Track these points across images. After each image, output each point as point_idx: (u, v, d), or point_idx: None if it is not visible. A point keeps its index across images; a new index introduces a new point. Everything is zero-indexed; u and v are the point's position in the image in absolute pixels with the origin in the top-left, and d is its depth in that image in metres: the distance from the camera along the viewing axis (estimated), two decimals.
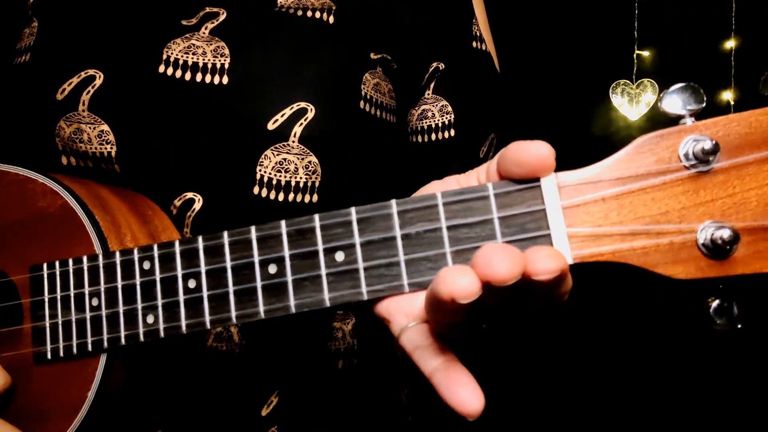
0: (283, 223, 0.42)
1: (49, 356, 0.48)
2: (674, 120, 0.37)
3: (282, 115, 0.59)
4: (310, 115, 0.60)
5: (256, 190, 0.59)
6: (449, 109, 0.71)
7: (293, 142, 0.59)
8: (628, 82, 2.48)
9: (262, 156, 0.59)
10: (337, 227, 0.40)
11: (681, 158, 0.36)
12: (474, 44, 0.73)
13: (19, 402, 0.48)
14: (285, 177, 0.59)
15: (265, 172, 0.59)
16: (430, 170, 0.73)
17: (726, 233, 0.34)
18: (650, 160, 0.36)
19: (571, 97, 2.52)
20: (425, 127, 0.71)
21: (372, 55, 0.66)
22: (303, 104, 0.60)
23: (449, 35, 0.71)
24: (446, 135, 0.71)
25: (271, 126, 0.59)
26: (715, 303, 0.37)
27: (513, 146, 0.36)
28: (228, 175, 0.59)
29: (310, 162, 0.60)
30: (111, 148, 0.59)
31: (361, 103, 0.64)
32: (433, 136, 0.71)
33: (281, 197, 0.59)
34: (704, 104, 0.37)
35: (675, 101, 0.37)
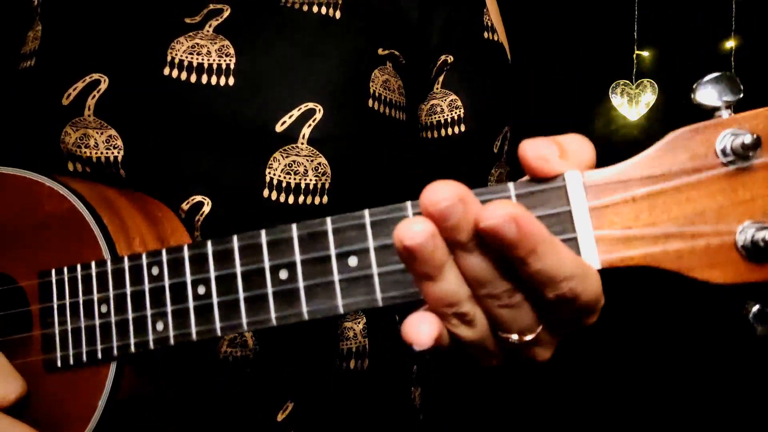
0: (294, 226, 0.40)
1: (59, 364, 0.47)
2: (708, 113, 0.35)
3: (290, 117, 0.58)
4: (319, 116, 0.59)
5: (265, 193, 0.58)
6: (459, 103, 0.69)
7: (302, 143, 0.58)
8: (627, 82, 2.45)
9: (271, 158, 0.58)
10: (350, 230, 0.39)
11: (718, 154, 0.33)
12: (485, 35, 0.71)
13: (31, 410, 0.47)
14: (294, 179, 0.58)
15: (274, 174, 0.58)
16: (441, 167, 0.71)
17: None
18: (684, 156, 0.34)
19: (571, 97, 2.49)
20: (434, 123, 0.70)
21: (380, 51, 0.64)
22: (311, 105, 0.58)
23: (459, 26, 0.69)
24: (456, 130, 0.69)
25: (279, 128, 0.58)
26: (755, 308, 0.34)
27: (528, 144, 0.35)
28: (237, 178, 0.58)
29: (319, 164, 0.59)
30: (118, 152, 0.58)
31: (370, 102, 0.62)
32: (443, 132, 0.69)
33: (291, 200, 0.58)
34: (741, 95, 0.35)
35: (710, 92, 0.34)
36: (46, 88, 0.60)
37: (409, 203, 0.37)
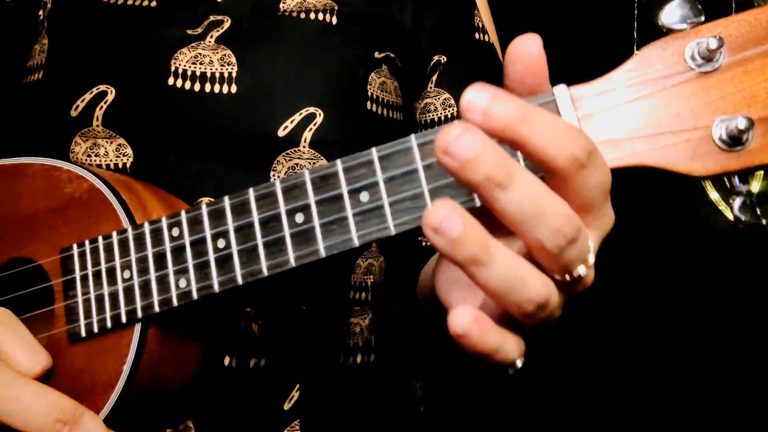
0: (306, 172, 0.43)
1: (83, 333, 0.48)
2: (675, 33, 0.39)
3: (292, 122, 0.60)
4: (319, 119, 0.61)
5: None
6: (452, 102, 0.72)
7: (304, 147, 0.61)
8: None
9: (275, 162, 0.60)
10: (360, 168, 0.41)
11: (687, 60, 0.37)
12: (476, 36, 0.75)
13: (56, 383, 0.48)
14: None
15: (278, 177, 0.60)
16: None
17: (741, 122, 0.35)
18: (658, 66, 0.37)
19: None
20: (428, 121, 0.72)
21: (376, 54, 0.67)
22: (311, 109, 0.61)
23: (451, 28, 0.73)
24: None
25: (281, 133, 0.60)
26: (738, 201, 0.37)
27: (510, 55, 0.37)
28: (242, 182, 0.60)
29: (321, 166, 0.61)
30: (128, 160, 0.60)
31: (368, 104, 0.65)
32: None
33: None
34: (703, 17, 0.39)
35: (675, 14, 0.38)
36: (54, 100, 0.62)
37: (412, 136, 0.40)
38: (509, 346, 0.36)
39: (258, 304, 0.59)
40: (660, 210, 1.93)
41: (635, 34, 2.46)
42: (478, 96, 0.32)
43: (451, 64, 0.72)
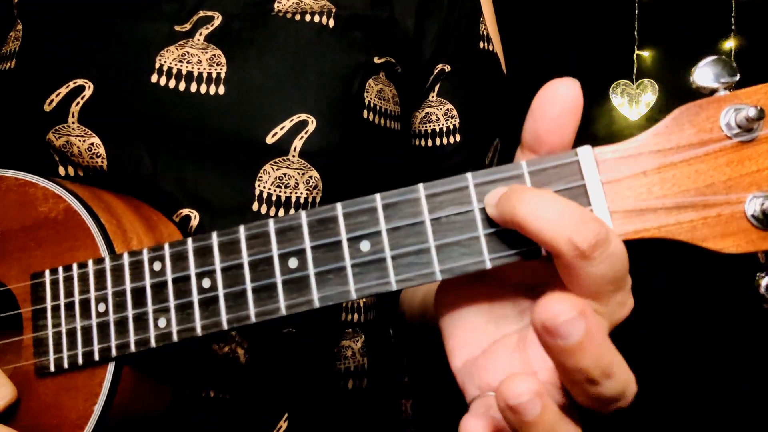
0: (303, 213, 0.39)
1: (52, 368, 0.45)
2: (707, 95, 0.36)
3: (281, 129, 0.57)
4: (311, 127, 0.57)
5: (255, 206, 0.56)
6: (454, 113, 0.69)
7: (293, 156, 0.57)
8: (628, 82, 2.50)
9: (261, 171, 0.57)
10: (362, 215, 0.38)
11: (723, 128, 0.34)
12: (481, 45, 0.72)
13: (21, 419, 0.45)
14: (285, 192, 0.57)
15: (264, 187, 0.57)
16: (432, 178, 0.70)
17: None
18: (690, 131, 0.35)
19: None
20: (429, 131, 0.69)
21: (375, 60, 0.63)
22: (303, 116, 0.57)
23: (455, 36, 0.70)
24: (450, 140, 0.69)
25: (270, 140, 0.56)
26: (765, 280, 0.35)
27: (539, 105, 0.35)
28: (226, 191, 0.56)
29: (311, 177, 0.57)
30: (102, 161, 0.56)
31: (365, 113, 0.62)
32: (437, 141, 0.69)
33: (281, 213, 0.57)
34: (738, 77, 0.36)
35: (707, 74, 0.36)
36: (27, 93, 0.57)
37: (420, 185, 0.37)
38: None
39: (242, 328, 0.56)
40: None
41: (635, 34, 2.43)
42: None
43: (454, 75, 0.70)
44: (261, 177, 0.57)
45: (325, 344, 0.61)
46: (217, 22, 0.60)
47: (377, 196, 0.38)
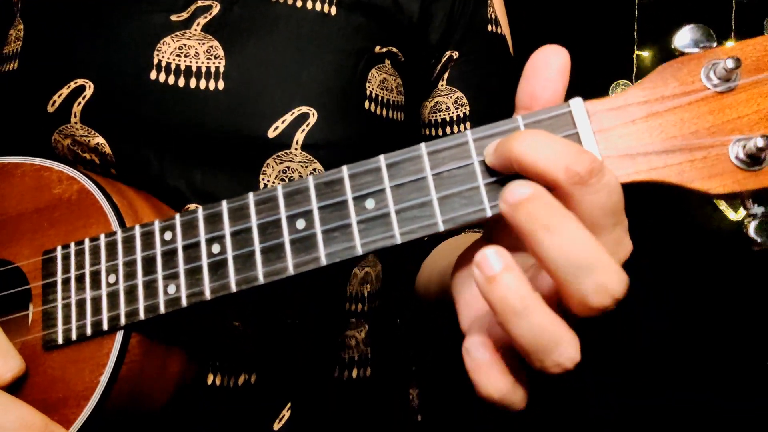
0: (310, 177, 0.41)
1: (60, 340, 0.45)
2: (689, 54, 0.39)
3: (282, 122, 0.56)
4: (312, 120, 0.57)
5: None
6: (464, 101, 0.68)
7: (296, 149, 0.56)
8: (627, 82, 2.53)
9: (265, 165, 0.57)
10: (367, 175, 0.40)
11: (703, 80, 0.37)
12: (489, 28, 0.70)
13: (27, 392, 0.45)
14: None
15: (268, 181, 0.57)
16: None
17: (760, 141, 0.34)
18: (674, 84, 0.37)
19: (570, 97, 2.56)
20: (439, 121, 0.68)
21: (378, 49, 0.62)
22: (304, 109, 0.57)
23: (462, 20, 0.68)
24: (461, 129, 0.68)
25: (271, 134, 0.56)
26: (754, 223, 0.36)
27: (530, 70, 0.37)
28: (230, 186, 0.57)
29: (314, 170, 0.57)
30: (109, 160, 0.56)
31: (366, 104, 0.61)
32: (447, 130, 0.68)
33: None
34: (716, 43, 0.39)
35: (687, 39, 0.39)
36: (30, 94, 0.57)
37: (422, 144, 0.39)
38: (516, 398, 0.35)
39: (247, 317, 0.56)
40: (659, 211, 1.94)
41: (635, 34, 2.49)
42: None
43: (463, 61, 0.68)
44: (265, 171, 0.57)
45: (329, 334, 0.61)
46: (215, 10, 0.59)
47: (381, 157, 0.40)
